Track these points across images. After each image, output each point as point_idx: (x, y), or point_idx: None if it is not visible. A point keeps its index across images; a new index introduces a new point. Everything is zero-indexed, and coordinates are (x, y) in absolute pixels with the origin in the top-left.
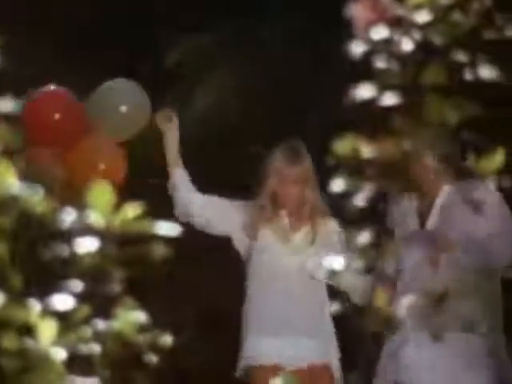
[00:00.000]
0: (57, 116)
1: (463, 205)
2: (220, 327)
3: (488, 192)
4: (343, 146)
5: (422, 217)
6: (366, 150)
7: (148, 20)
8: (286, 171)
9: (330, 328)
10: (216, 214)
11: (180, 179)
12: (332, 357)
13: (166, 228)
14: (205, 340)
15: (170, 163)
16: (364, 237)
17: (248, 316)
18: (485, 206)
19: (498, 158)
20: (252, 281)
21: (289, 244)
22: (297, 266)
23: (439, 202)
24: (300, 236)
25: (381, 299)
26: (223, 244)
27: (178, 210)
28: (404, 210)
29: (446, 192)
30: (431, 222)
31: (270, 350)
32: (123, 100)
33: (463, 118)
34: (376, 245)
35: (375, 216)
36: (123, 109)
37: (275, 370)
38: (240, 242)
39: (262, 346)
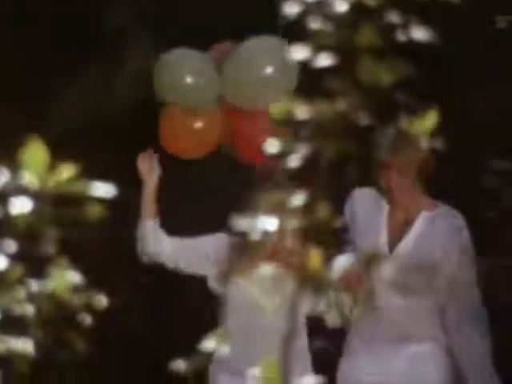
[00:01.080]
0: None
1: (447, 235)
2: (163, 289)
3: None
4: (279, 107)
5: (392, 235)
6: (301, 111)
7: None
8: None
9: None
10: (188, 261)
11: (150, 231)
12: None
13: (102, 189)
14: (144, 302)
15: (144, 213)
16: (298, 198)
17: None
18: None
19: (430, 119)
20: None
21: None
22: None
23: (418, 225)
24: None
25: (315, 260)
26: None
27: (147, 259)
28: (371, 218)
29: (426, 217)
30: (406, 246)
31: None
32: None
33: (397, 79)
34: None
35: (309, 178)
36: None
37: None
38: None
39: None
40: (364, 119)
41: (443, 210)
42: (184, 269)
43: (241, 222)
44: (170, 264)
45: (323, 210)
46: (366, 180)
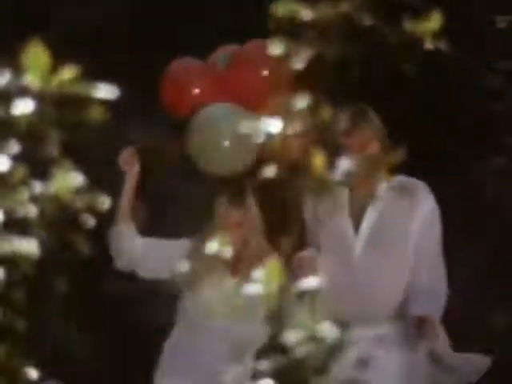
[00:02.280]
0: None
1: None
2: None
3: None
4: (282, 8)
5: (355, 213)
6: (305, 13)
7: None
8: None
9: None
10: (156, 263)
11: (125, 229)
12: None
13: (104, 90)
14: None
15: (121, 211)
16: (301, 101)
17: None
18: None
19: (435, 20)
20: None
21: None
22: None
23: (379, 198)
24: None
25: (318, 160)
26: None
27: (120, 262)
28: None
29: (387, 187)
30: (369, 222)
31: None
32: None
33: None
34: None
35: (313, 80)
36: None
37: None
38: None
39: None
40: (367, 20)
41: (403, 180)
42: (150, 271)
43: (246, 125)
44: (142, 270)
45: (326, 113)
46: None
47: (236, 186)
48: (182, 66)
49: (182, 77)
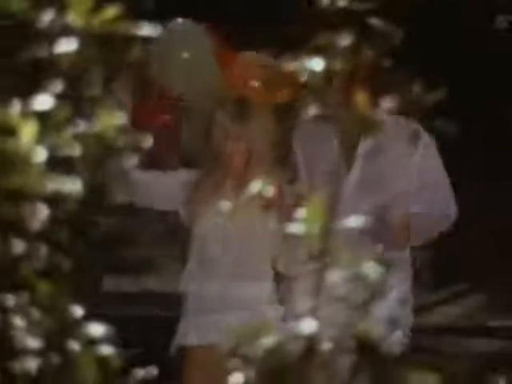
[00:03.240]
0: None
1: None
2: None
3: (425, 133)
4: None
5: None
6: None
7: None
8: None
9: None
10: (161, 195)
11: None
12: None
13: (147, 29)
14: None
15: None
16: (345, 39)
17: None
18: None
19: None
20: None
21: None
22: None
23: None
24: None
25: (361, 99)
26: None
27: (137, 197)
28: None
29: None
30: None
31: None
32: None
33: None
34: (356, 48)
35: (356, 17)
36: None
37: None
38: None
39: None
40: None
41: (392, 119)
42: (157, 203)
43: (289, 64)
44: (145, 197)
45: (369, 51)
46: None
47: (241, 104)
48: None
49: None
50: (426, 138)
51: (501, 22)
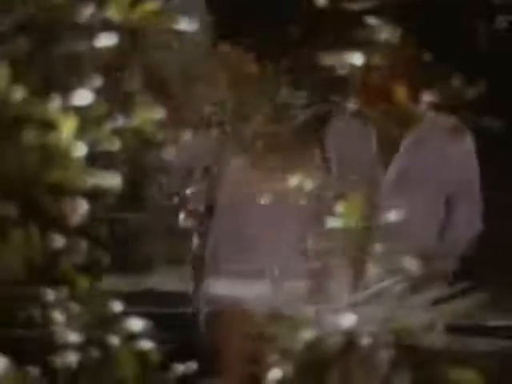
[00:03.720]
0: None
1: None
2: None
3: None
4: None
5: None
6: None
7: None
8: None
9: None
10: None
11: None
12: None
13: (184, 23)
14: None
15: None
16: (386, 32)
17: None
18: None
19: None
20: None
21: None
22: None
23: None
24: None
25: (400, 93)
26: None
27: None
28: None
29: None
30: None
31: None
32: None
33: None
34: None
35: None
36: None
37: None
38: None
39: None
40: None
41: (433, 114)
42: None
43: (328, 58)
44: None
45: (411, 46)
46: None
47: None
48: None
49: None
50: (468, 137)
51: (501, 22)
